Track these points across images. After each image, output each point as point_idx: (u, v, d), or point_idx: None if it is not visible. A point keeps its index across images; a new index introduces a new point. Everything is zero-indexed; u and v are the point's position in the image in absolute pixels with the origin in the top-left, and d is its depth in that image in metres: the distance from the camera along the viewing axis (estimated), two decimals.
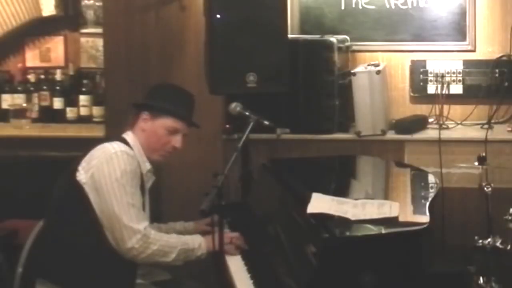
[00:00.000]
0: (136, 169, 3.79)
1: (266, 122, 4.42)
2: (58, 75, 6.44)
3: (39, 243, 3.97)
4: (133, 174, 3.76)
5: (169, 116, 4.00)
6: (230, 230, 4.35)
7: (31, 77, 6.47)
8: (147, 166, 4.00)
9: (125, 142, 3.91)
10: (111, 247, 3.70)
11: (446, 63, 6.03)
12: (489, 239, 4.26)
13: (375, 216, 3.63)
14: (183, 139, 4.11)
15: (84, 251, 3.70)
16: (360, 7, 6.16)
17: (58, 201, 3.80)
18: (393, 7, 6.12)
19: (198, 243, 3.90)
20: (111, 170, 3.68)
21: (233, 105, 4.51)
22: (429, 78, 6.04)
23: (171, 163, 4.76)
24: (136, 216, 3.70)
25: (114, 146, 3.78)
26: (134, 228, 3.66)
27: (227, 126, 5.42)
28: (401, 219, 3.64)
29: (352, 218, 3.58)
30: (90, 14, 6.53)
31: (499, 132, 5.76)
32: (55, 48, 6.61)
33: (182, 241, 3.88)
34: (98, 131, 5.39)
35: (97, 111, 6.36)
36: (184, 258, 3.85)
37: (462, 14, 6.00)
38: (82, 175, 3.71)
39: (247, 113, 4.43)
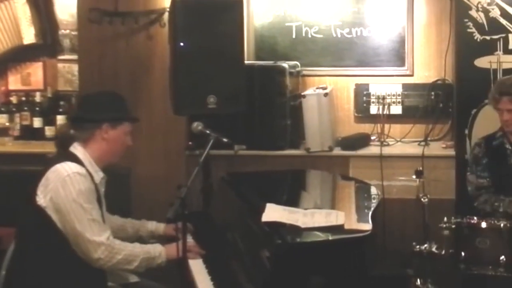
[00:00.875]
0: (90, 186, 3.86)
1: (224, 140, 4.52)
2: (38, 97, 6.60)
3: (13, 265, 4.02)
4: (88, 191, 3.83)
5: (125, 122, 4.11)
6: (194, 238, 4.46)
7: (13, 99, 6.62)
8: (100, 175, 4.07)
9: (75, 158, 3.96)
10: (81, 258, 3.82)
11: (387, 86, 6.34)
12: (425, 245, 4.42)
13: (323, 224, 3.80)
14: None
15: (56, 266, 3.81)
16: (310, 36, 6.46)
17: (25, 227, 3.88)
18: (339, 36, 6.43)
19: (158, 252, 4.01)
20: (67, 192, 3.74)
21: (195, 124, 4.60)
22: (372, 100, 6.34)
23: (140, 176, 4.88)
24: (97, 230, 3.80)
25: (66, 169, 3.82)
26: (97, 241, 3.77)
27: (190, 143, 5.50)
28: (346, 227, 3.82)
29: (302, 226, 3.76)
30: (66, 43, 6.72)
31: (435, 148, 6.08)
32: (35, 73, 6.76)
33: (145, 250, 3.99)
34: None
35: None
36: (146, 266, 3.97)
37: (401, 42, 6.35)
38: (41, 199, 3.77)
39: (207, 132, 4.53)
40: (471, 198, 5.32)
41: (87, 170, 3.90)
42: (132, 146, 4.19)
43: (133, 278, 4.31)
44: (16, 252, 3.94)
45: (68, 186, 3.72)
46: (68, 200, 3.71)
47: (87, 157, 3.96)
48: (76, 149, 3.97)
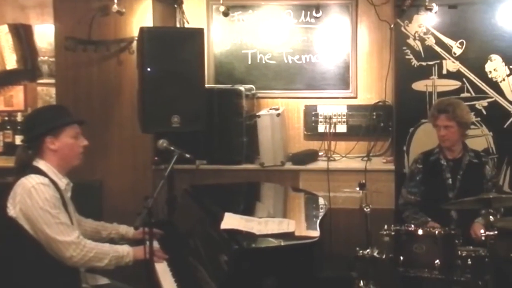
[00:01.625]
0: (53, 193, 3.95)
1: (187, 155, 4.75)
2: (19, 117, 6.78)
3: None
4: (53, 198, 3.92)
5: (66, 126, 4.15)
6: (159, 244, 4.59)
7: None
8: (64, 181, 4.16)
9: (38, 170, 4.06)
10: (56, 260, 3.96)
11: (333, 107, 6.63)
12: (368, 250, 4.62)
13: (275, 231, 3.95)
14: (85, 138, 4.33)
15: (33, 268, 3.95)
16: (264, 62, 6.77)
17: (0, 236, 3.96)
18: (290, 62, 6.73)
19: (127, 251, 4.17)
20: (34, 202, 3.86)
21: (161, 141, 4.83)
22: (319, 120, 6.63)
23: (111, 188, 4.93)
24: (66, 231, 3.92)
25: (30, 181, 3.92)
26: (67, 240, 3.91)
27: (156, 158, 5.78)
28: (296, 233, 3.97)
29: (257, 233, 3.92)
30: (45, 68, 6.89)
31: (376, 163, 6.36)
32: (17, 95, 6.94)
33: (114, 249, 4.14)
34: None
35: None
36: (115, 264, 4.11)
37: (346, 67, 6.64)
38: (11, 211, 3.87)
39: (172, 148, 4.78)
40: (400, 210, 5.62)
41: (51, 179, 4.03)
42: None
43: (104, 280, 4.47)
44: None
45: (34, 196, 3.86)
46: (35, 208, 3.85)
47: (49, 168, 4.10)
48: (38, 162, 4.10)
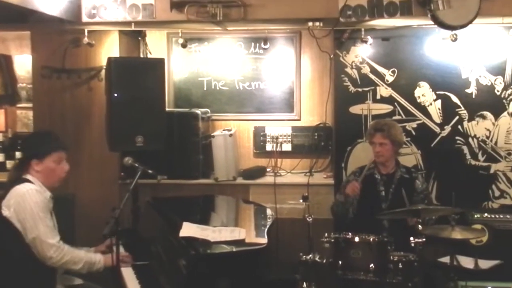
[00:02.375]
0: (43, 199, 4.22)
1: (150, 171, 5.00)
2: (0, 137, 6.98)
3: None
4: (43, 204, 4.20)
5: (51, 152, 4.40)
6: (125, 250, 4.76)
7: None
8: (47, 194, 4.37)
9: (29, 181, 4.30)
10: (37, 258, 4.19)
11: (279, 128, 6.85)
12: (310, 255, 4.76)
13: (228, 238, 4.21)
14: (67, 163, 4.54)
15: (17, 265, 4.20)
16: (218, 88, 6.99)
17: None
18: (241, 88, 6.98)
19: (98, 259, 4.44)
20: (26, 204, 4.14)
21: (126, 159, 5.05)
22: (267, 139, 6.86)
23: (83, 200, 5.12)
24: (50, 234, 4.19)
25: (24, 187, 4.20)
26: (50, 242, 4.18)
27: (122, 174, 5.95)
28: (247, 240, 4.23)
29: (212, 240, 4.15)
30: (23, 94, 7.11)
31: (318, 178, 6.54)
32: None
33: (88, 256, 4.41)
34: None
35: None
36: (87, 268, 4.37)
37: (291, 93, 6.90)
38: (6, 211, 4.15)
39: (136, 165, 5.00)
40: (332, 207, 5.79)
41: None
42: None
43: (78, 281, 4.70)
44: None
45: (27, 199, 4.16)
46: (27, 209, 4.13)
47: (37, 182, 4.36)
48: (27, 176, 4.36)
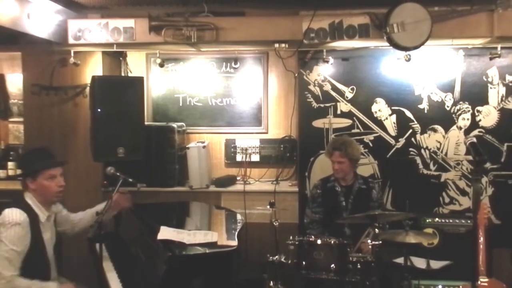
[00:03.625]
0: (21, 233, 4.17)
1: (130, 180, 5.01)
2: None
3: None
4: (14, 236, 4.15)
5: (42, 170, 4.40)
6: (107, 251, 4.86)
7: None
8: (45, 214, 4.42)
9: (25, 204, 4.34)
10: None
11: (249, 140, 6.94)
12: (277, 256, 4.86)
13: (202, 241, 4.30)
14: (62, 178, 4.51)
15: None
16: (192, 104, 7.07)
17: None
18: (213, 104, 7.05)
19: (54, 287, 4.33)
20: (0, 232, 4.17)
21: (109, 168, 5.08)
22: (237, 151, 6.94)
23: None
24: (8, 266, 4.12)
25: (9, 215, 4.21)
26: (2, 273, 4.12)
27: (105, 182, 6.05)
28: (219, 243, 4.33)
29: (187, 242, 4.25)
30: (15, 109, 7.20)
31: (283, 186, 6.68)
32: None
33: (42, 285, 4.27)
34: (19, 186, 4.96)
35: (19, 172, 6.32)
36: None
37: (259, 108, 6.98)
38: None
39: (117, 174, 5.02)
40: (305, 227, 5.90)
41: (33, 212, 4.33)
42: (65, 184, 4.48)
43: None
44: None
45: (5, 230, 4.19)
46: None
47: (34, 201, 4.40)
48: (27, 196, 4.43)
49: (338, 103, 6.65)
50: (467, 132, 6.54)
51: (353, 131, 6.60)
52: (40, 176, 4.41)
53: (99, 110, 5.72)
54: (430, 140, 6.60)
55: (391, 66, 6.56)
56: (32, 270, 4.26)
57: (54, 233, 4.63)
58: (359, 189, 5.77)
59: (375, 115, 6.62)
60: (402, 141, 6.61)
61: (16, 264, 4.17)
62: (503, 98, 6.51)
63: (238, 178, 6.96)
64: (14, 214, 4.24)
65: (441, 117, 6.56)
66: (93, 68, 6.48)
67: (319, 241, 4.86)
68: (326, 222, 5.69)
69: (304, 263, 4.83)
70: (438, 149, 6.59)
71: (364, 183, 5.84)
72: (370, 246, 4.88)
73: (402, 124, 6.60)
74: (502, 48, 6.18)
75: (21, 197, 4.45)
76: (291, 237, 4.99)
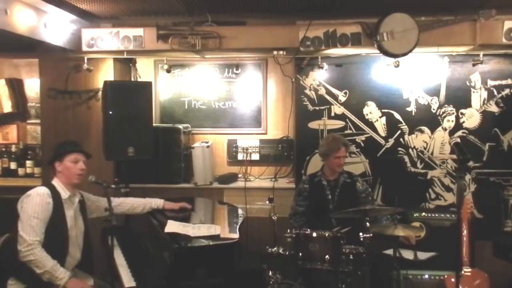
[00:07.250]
0: (43, 201, 4.28)
1: (112, 186, 4.70)
2: (13, 148, 7.13)
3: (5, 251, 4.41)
4: (38, 206, 4.26)
5: (67, 154, 4.53)
6: (119, 244, 4.85)
7: None
8: (67, 193, 4.47)
9: (49, 185, 4.45)
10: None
11: (249, 141, 6.91)
12: (275, 248, 4.82)
13: (206, 234, 4.30)
14: (84, 164, 4.59)
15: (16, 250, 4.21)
16: (197, 107, 7.02)
17: (12, 225, 4.30)
18: (216, 107, 7.00)
19: (63, 276, 4.25)
20: (27, 203, 4.26)
21: (90, 177, 4.63)
22: (239, 150, 6.89)
23: None
24: (30, 232, 4.18)
25: (34, 190, 4.32)
26: (24, 238, 4.17)
27: (116, 179, 5.98)
28: (221, 235, 4.32)
29: (192, 235, 4.24)
30: (32, 112, 7.16)
31: (281, 183, 6.65)
32: (11, 132, 7.22)
33: (53, 269, 4.22)
34: (37, 183, 5.46)
35: (37, 170, 6.93)
36: (47, 278, 4.20)
37: (259, 111, 6.94)
38: (19, 207, 4.29)
39: (99, 182, 4.63)
40: (288, 218, 5.81)
41: (56, 191, 4.42)
42: (86, 169, 4.51)
43: (89, 281, 4.59)
44: (6, 239, 4.46)
45: (29, 200, 4.29)
46: (24, 208, 4.26)
47: (58, 183, 4.52)
48: (53, 180, 4.54)
49: (332, 106, 6.63)
50: (451, 133, 6.54)
51: (346, 132, 6.56)
52: (67, 158, 4.53)
53: (110, 112, 5.71)
54: (417, 140, 6.58)
55: (381, 71, 6.55)
56: (51, 243, 4.30)
57: (81, 219, 4.68)
58: (344, 183, 5.70)
59: (366, 117, 6.60)
60: (391, 141, 6.60)
61: (38, 231, 4.23)
62: (485, 102, 6.50)
63: (239, 176, 6.92)
64: (37, 188, 4.39)
65: (428, 119, 6.55)
66: (105, 73, 6.47)
67: (314, 234, 4.78)
68: (314, 214, 5.62)
69: (300, 254, 4.78)
70: (425, 148, 6.57)
71: (348, 177, 5.76)
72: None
73: (392, 125, 6.58)
74: (484, 55, 6.18)
75: (49, 181, 4.59)
76: (288, 230, 4.93)
